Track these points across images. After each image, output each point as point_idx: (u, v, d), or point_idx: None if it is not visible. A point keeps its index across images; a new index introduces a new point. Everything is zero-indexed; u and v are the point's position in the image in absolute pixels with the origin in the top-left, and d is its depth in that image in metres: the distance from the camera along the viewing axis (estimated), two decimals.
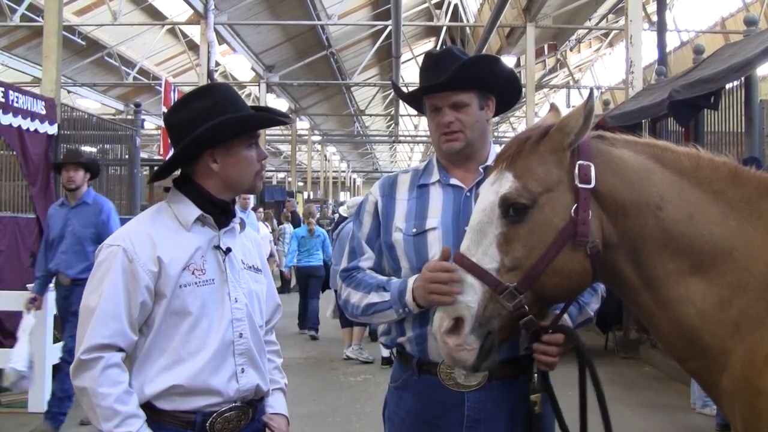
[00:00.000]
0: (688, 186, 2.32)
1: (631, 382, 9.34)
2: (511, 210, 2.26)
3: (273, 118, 2.73)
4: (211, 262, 2.53)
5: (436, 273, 2.37)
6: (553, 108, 2.66)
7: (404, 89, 3.01)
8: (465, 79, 2.66)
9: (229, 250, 2.58)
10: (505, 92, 2.82)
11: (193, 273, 2.47)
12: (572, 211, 2.24)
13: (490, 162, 2.77)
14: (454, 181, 2.77)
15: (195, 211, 2.54)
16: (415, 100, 2.88)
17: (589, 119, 2.28)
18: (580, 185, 2.25)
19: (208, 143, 2.51)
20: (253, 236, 2.84)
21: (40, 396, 7.55)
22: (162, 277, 2.42)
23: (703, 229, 2.27)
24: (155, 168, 2.80)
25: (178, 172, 2.69)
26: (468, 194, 2.72)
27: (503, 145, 2.48)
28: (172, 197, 2.60)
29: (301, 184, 48.98)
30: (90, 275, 2.49)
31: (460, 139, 2.70)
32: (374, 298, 2.68)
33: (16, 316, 8.47)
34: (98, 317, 2.36)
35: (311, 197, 40.54)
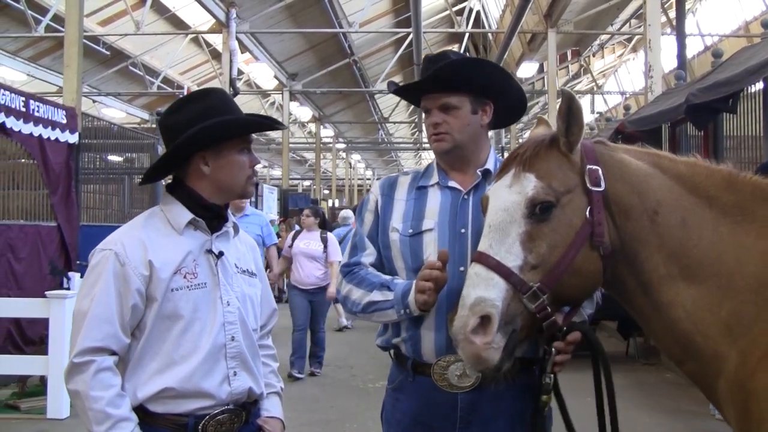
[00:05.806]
0: (684, 191, 2.35)
1: (650, 388, 9.24)
2: (538, 209, 2.29)
3: (261, 122, 2.75)
4: (203, 266, 2.55)
5: (424, 272, 2.46)
6: (542, 122, 2.71)
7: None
8: (450, 80, 2.67)
9: (221, 254, 2.59)
10: (506, 101, 2.81)
11: (184, 277, 2.49)
12: (587, 212, 2.29)
13: (489, 166, 2.79)
14: (452, 183, 2.78)
15: (187, 215, 2.56)
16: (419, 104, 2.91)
17: (568, 121, 2.33)
18: (592, 188, 2.31)
19: (199, 145, 2.53)
20: (248, 241, 2.85)
21: (58, 402, 7.62)
22: (153, 280, 2.44)
23: (693, 233, 2.31)
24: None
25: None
26: (465, 197, 2.74)
27: (511, 150, 2.51)
28: (165, 201, 2.62)
29: (326, 191, 49.11)
30: (83, 279, 2.51)
31: (447, 140, 2.73)
32: (377, 296, 2.68)
33: (36, 323, 8.59)
34: (90, 321, 2.39)
35: (336, 205, 40.63)
